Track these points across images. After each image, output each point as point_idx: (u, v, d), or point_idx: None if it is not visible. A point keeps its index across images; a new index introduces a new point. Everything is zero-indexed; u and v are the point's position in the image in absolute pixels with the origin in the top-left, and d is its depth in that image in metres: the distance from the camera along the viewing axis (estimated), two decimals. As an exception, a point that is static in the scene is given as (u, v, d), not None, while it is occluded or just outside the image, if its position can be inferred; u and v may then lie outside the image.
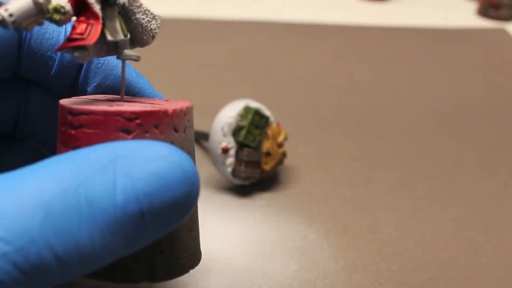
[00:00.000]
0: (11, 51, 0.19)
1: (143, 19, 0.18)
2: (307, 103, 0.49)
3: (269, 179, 0.37)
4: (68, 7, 0.16)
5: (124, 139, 0.15)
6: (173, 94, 0.49)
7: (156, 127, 0.16)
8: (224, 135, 0.34)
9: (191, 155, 0.18)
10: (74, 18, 0.17)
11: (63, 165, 0.13)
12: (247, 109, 0.35)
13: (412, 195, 0.37)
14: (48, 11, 0.15)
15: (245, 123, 0.34)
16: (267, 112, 0.36)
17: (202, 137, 0.40)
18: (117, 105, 0.17)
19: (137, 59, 0.18)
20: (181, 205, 0.14)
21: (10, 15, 0.14)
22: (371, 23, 0.70)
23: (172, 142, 0.16)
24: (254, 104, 0.36)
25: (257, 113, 0.35)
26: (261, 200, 0.36)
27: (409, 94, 0.52)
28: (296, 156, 0.40)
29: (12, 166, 0.22)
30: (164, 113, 0.16)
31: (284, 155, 0.36)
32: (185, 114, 0.17)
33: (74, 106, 0.16)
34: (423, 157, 0.41)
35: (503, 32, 0.69)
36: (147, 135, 0.16)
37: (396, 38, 0.66)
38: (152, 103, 0.18)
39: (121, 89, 0.18)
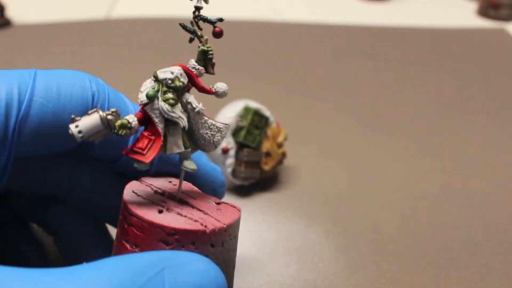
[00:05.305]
0: None
1: (206, 133, 0.20)
2: (307, 103, 0.49)
3: (269, 179, 0.37)
4: (134, 122, 0.17)
5: (163, 248, 0.17)
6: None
7: (193, 243, 0.17)
8: (224, 135, 0.34)
9: (228, 263, 0.20)
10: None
11: (123, 272, 0.15)
12: (246, 109, 0.35)
13: (412, 195, 0.37)
14: (115, 127, 0.17)
15: (244, 123, 0.34)
16: (266, 112, 0.36)
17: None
18: (168, 209, 0.18)
19: (192, 172, 0.19)
20: None
21: (79, 131, 0.16)
22: (371, 23, 0.70)
23: (206, 256, 0.18)
24: (253, 104, 0.36)
25: (257, 113, 0.35)
26: (261, 200, 0.36)
27: (409, 94, 0.52)
28: (296, 156, 0.40)
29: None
30: (202, 233, 0.17)
31: (284, 155, 0.36)
32: (225, 230, 0.18)
33: (130, 206, 0.18)
34: (423, 157, 0.41)
35: (503, 32, 0.69)
36: (183, 249, 0.17)
37: (396, 38, 0.66)
38: (201, 210, 0.19)
39: (178, 190, 0.20)
